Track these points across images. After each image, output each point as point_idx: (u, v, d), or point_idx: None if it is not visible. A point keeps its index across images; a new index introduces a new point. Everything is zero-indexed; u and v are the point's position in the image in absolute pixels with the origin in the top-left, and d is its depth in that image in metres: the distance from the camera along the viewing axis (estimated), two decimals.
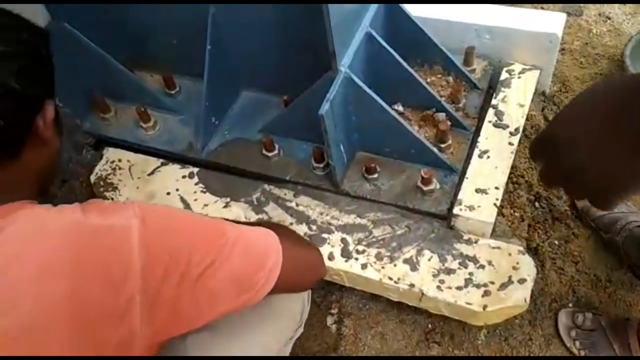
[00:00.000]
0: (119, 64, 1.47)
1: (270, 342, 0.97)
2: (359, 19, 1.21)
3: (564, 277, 1.29)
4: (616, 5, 1.80)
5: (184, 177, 1.40)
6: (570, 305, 1.26)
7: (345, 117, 1.22)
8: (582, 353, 1.19)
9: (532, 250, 1.30)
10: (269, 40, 1.35)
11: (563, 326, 1.22)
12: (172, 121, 1.53)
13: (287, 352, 1.10)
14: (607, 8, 1.80)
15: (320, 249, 1.22)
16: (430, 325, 1.24)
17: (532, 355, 1.21)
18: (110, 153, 1.49)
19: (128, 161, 1.46)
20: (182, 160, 1.45)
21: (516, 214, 1.25)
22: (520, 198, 1.27)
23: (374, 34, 1.22)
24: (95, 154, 1.53)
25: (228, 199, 1.34)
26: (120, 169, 1.45)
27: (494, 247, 1.16)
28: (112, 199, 1.40)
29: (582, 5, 1.82)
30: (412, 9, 1.33)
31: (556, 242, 1.34)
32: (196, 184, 1.38)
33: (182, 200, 1.35)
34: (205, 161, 1.43)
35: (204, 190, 1.37)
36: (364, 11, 1.22)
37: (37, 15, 1.34)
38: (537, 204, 1.38)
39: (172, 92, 1.57)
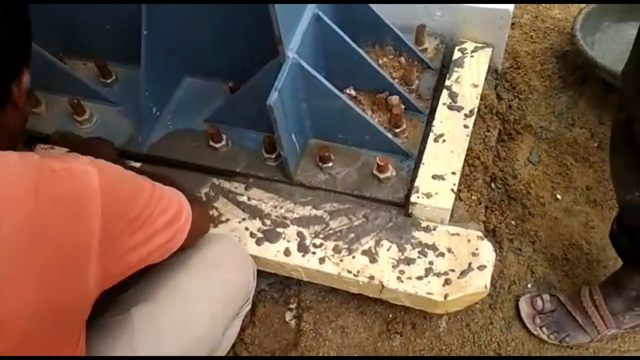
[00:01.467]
0: (47, 52, 1.35)
1: (219, 311, 0.97)
2: None
3: (522, 257, 1.29)
4: None
5: None
6: (529, 285, 1.26)
7: (295, 105, 1.16)
8: (552, 337, 1.18)
9: (490, 233, 1.29)
10: (209, 23, 1.26)
11: (526, 315, 1.21)
12: (110, 113, 1.42)
13: (235, 329, 1.10)
14: None
15: (276, 244, 1.16)
16: (391, 315, 1.22)
17: (493, 338, 1.21)
18: (43, 150, 1.37)
19: None
20: (122, 154, 1.35)
21: (473, 197, 1.22)
22: (476, 181, 1.25)
23: (322, 15, 1.15)
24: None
25: None
26: None
27: (452, 234, 1.13)
28: None
29: None
30: None
31: (513, 222, 1.33)
32: None
33: None
34: (148, 155, 1.34)
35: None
36: None
37: None
38: (492, 185, 1.36)
39: (108, 81, 1.46)
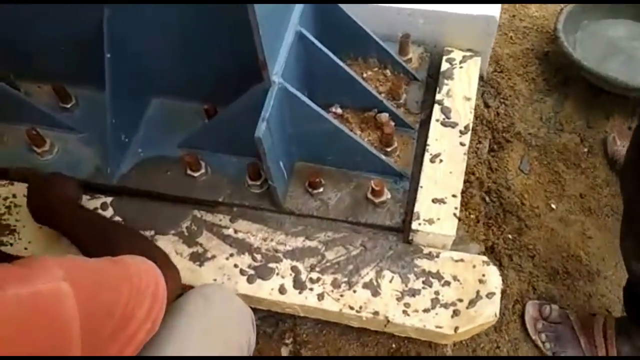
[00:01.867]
0: None
1: None
2: (288, 17, 1.05)
3: (523, 274, 1.25)
4: None
5: (95, 209, 1.19)
6: None
7: (281, 130, 1.07)
8: (547, 346, 1.16)
9: (489, 250, 1.25)
10: (178, 41, 1.16)
11: (529, 318, 1.19)
12: (72, 141, 1.29)
13: None
14: None
15: (270, 281, 1.08)
16: (394, 346, 1.16)
17: None
18: (2, 188, 1.24)
19: (24, 196, 1.22)
20: (89, 188, 1.23)
21: (471, 215, 1.17)
22: (473, 198, 1.20)
23: (305, 32, 1.06)
24: None
25: (152, 232, 1.15)
26: (16, 206, 1.21)
27: (457, 260, 1.07)
28: (11, 244, 1.17)
29: None
30: None
31: (510, 236, 1.29)
32: (112, 216, 1.18)
33: None
34: (119, 187, 1.23)
35: (123, 223, 1.17)
36: (291, 8, 1.06)
37: None
38: (487, 199, 1.31)
39: (68, 105, 1.33)
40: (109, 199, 1.20)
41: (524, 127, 1.43)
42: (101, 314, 0.63)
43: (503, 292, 1.21)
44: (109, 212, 1.18)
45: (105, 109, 1.19)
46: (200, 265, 1.11)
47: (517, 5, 1.67)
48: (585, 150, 1.39)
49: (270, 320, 1.22)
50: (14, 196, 1.23)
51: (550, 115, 1.45)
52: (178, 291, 0.91)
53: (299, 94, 1.03)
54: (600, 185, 1.34)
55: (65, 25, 1.18)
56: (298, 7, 1.07)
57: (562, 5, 1.51)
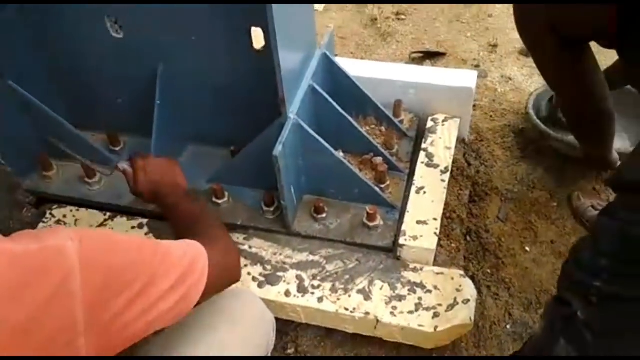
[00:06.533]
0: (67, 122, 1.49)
1: None
2: (303, 73, 1.33)
3: (499, 301, 1.41)
4: (515, 68, 2.08)
5: (133, 227, 1.41)
6: (509, 327, 1.37)
7: (294, 159, 1.31)
8: None
9: (469, 279, 1.41)
10: (216, 96, 1.44)
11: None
12: (117, 176, 1.54)
13: None
14: (507, 71, 2.07)
15: (277, 286, 1.26)
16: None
17: None
18: (54, 211, 1.47)
19: (74, 216, 1.45)
20: (130, 213, 1.46)
21: (452, 245, 1.36)
22: (454, 231, 1.39)
23: (316, 86, 1.34)
24: (36, 213, 1.50)
25: None
26: (65, 225, 1.44)
27: (437, 273, 1.26)
28: None
29: (485, 69, 2.09)
30: (346, 68, 1.48)
31: (489, 270, 1.46)
32: (146, 234, 1.39)
33: None
34: (152, 213, 1.45)
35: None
36: (306, 66, 1.35)
37: None
38: (468, 238, 1.51)
39: (117, 148, 1.59)
40: (144, 220, 1.42)
41: (500, 184, 1.66)
42: (107, 275, 0.66)
43: (481, 314, 1.37)
44: (144, 230, 1.40)
45: (150, 151, 1.44)
46: None
47: (498, 91, 1.98)
48: (555, 204, 1.61)
49: (275, 333, 1.37)
50: (64, 217, 1.45)
51: (524, 176, 1.68)
52: (236, 278, 0.99)
53: (310, 130, 1.28)
54: (569, 234, 1.54)
55: (126, 78, 1.47)
56: (311, 68, 1.36)
57: (531, 90, 1.81)
